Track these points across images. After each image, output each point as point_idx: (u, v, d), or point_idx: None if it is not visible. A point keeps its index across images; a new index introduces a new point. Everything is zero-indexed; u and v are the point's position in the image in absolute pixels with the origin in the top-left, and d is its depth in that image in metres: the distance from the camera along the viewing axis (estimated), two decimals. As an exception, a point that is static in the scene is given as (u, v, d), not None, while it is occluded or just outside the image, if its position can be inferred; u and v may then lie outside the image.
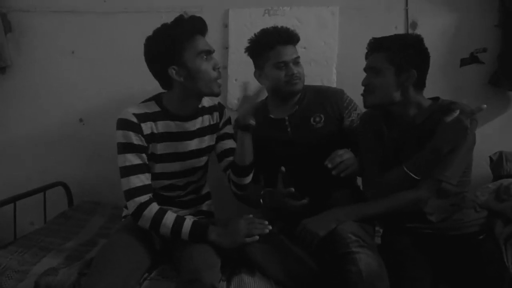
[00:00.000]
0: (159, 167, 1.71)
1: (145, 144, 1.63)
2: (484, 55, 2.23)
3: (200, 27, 1.63)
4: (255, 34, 1.87)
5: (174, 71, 1.60)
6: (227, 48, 2.34)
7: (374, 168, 1.66)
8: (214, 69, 1.63)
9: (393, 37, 1.60)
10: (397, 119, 1.63)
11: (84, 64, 2.45)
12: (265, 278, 1.59)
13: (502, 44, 2.19)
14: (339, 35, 2.28)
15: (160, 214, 1.59)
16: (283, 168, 1.70)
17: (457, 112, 1.43)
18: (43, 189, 2.25)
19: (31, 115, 2.53)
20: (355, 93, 1.94)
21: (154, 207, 1.59)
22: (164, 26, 1.63)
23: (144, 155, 1.63)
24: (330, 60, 2.29)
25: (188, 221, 1.60)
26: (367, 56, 1.65)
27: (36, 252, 1.81)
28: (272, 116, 1.90)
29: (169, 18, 2.26)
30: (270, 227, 1.61)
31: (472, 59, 2.23)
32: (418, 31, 2.23)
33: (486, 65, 2.23)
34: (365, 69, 1.65)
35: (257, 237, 1.58)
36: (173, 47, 1.58)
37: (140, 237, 1.65)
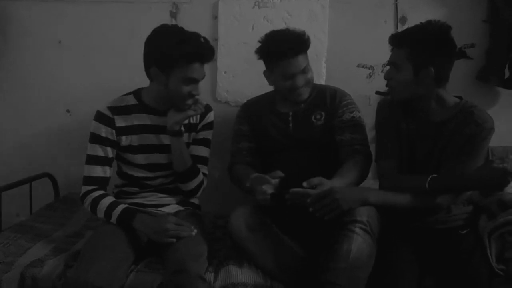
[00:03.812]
0: (139, 158, 1.76)
1: (115, 138, 1.72)
2: (472, 51, 2.25)
3: (205, 56, 1.65)
4: (266, 36, 1.81)
5: (154, 73, 1.64)
6: (216, 40, 2.32)
7: (391, 162, 1.67)
8: (190, 95, 1.66)
9: (414, 31, 1.57)
10: (415, 110, 1.64)
11: (71, 54, 2.41)
12: (253, 269, 1.61)
13: (490, 39, 2.21)
14: (329, 28, 2.28)
15: (99, 198, 1.68)
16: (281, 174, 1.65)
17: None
18: (29, 180, 2.22)
19: (17, 105, 2.49)
20: (344, 87, 1.96)
21: (97, 193, 1.70)
22: (173, 31, 1.66)
23: (109, 148, 1.72)
24: (320, 54, 2.29)
25: (121, 206, 1.66)
26: (391, 50, 1.64)
27: (21, 244, 1.79)
28: (278, 108, 1.92)
29: (157, 9, 2.29)
30: (196, 231, 1.63)
31: (460, 54, 2.25)
32: (407, 26, 2.23)
33: (474, 60, 2.25)
34: (388, 63, 1.66)
35: (174, 240, 1.59)
36: (166, 59, 1.60)
37: (127, 229, 1.65)
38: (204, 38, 1.66)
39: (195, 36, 1.64)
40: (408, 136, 1.65)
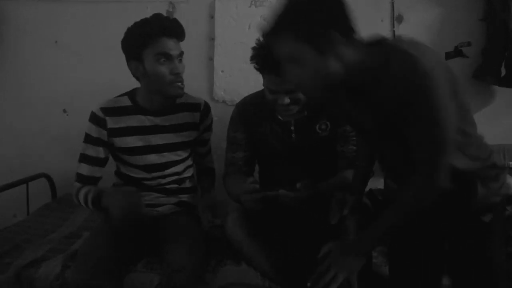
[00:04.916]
0: (136, 159, 1.75)
1: (105, 139, 1.71)
2: (469, 49, 2.25)
3: (170, 29, 1.62)
4: (257, 44, 1.58)
5: (133, 66, 1.64)
6: (213, 39, 2.32)
7: None
8: (171, 73, 1.62)
9: (284, 10, 1.14)
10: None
11: (67, 54, 2.41)
12: (251, 269, 1.60)
13: (486, 38, 2.22)
14: (326, 27, 2.28)
15: (81, 190, 1.69)
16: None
17: None
18: (26, 181, 2.22)
19: (14, 105, 2.48)
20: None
21: (82, 189, 1.70)
22: (141, 20, 1.64)
23: (100, 148, 1.72)
24: (317, 52, 2.29)
25: (96, 190, 1.67)
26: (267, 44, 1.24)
27: (19, 244, 1.79)
28: (279, 116, 1.78)
29: (154, 9, 2.26)
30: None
31: (457, 53, 2.25)
32: (404, 25, 2.24)
33: (470, 59, 2.25)
34: (279, 63, 1.21)
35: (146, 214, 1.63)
36: (135, 42, 1.61)
37: (124, 229, 1.64)
38: (168, 16, 1.67)
39: (155, 15, 1.65)
40: (352, 111, 1.33)
